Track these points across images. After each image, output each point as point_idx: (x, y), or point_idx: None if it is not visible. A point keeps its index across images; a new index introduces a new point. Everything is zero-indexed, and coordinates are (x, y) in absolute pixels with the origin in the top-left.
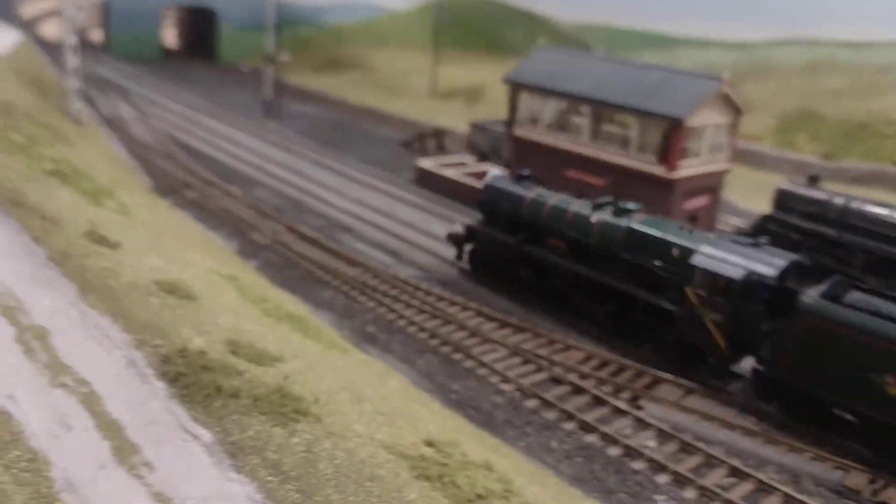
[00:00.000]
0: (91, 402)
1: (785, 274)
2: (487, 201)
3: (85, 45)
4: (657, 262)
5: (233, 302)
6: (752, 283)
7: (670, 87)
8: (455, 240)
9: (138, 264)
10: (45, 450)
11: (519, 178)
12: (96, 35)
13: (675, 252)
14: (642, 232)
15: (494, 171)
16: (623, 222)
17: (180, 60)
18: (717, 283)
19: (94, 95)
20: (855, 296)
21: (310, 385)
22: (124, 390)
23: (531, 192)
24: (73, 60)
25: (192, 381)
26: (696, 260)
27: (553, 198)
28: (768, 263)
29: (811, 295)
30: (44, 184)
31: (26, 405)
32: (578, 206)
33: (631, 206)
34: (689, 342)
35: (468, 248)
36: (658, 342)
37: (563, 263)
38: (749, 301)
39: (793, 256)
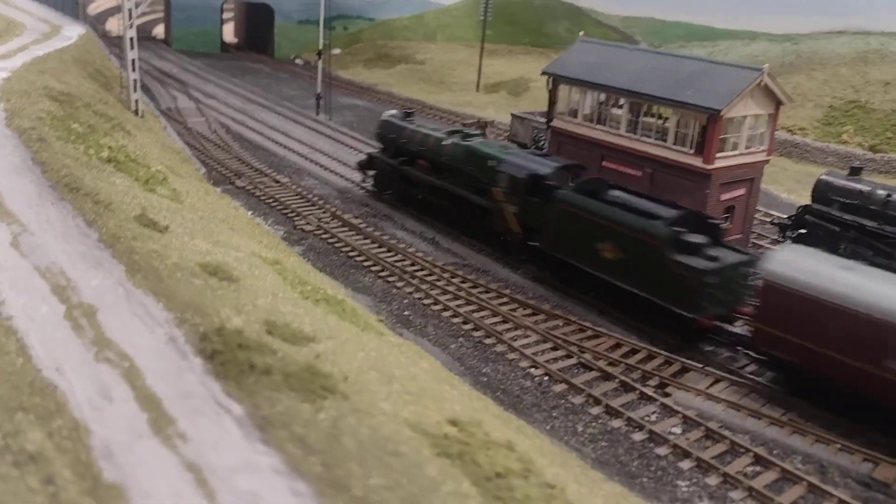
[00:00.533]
0: (132, 375)
1: (557, 174)
2: (382, 134)
3: (148, 40)
4: (481, 172)
5: (273, 285)
6: (532, 180)
7: (708, 79)
8: (361, 166)
9: (184, 247)
10: (87, 419)
11: (405, 115)
12: (159, 30)
13: (492, 163)
14: (475, 150)
15: (390, 111)
16: (463, 144)
17: (238, 54)
18: (512, 183)
19: (154, 88)
20: (606, 190)
21: (340, 364)
22: (163, 365)
23: (410, 126)
24: (131, 53)
25: (228, 358)
26: (501, 167)
27: (423, 129)
28: (546, 166)
29: (564, 188)
30: (99, 170)
31: (72, 377)
32: (437, 135)
33: (473, 133)
34: (497, 229)
35: (372, 173)
36: (480, 231)
37: (426, 178)
38: (531, 194)
39: (566, 161)
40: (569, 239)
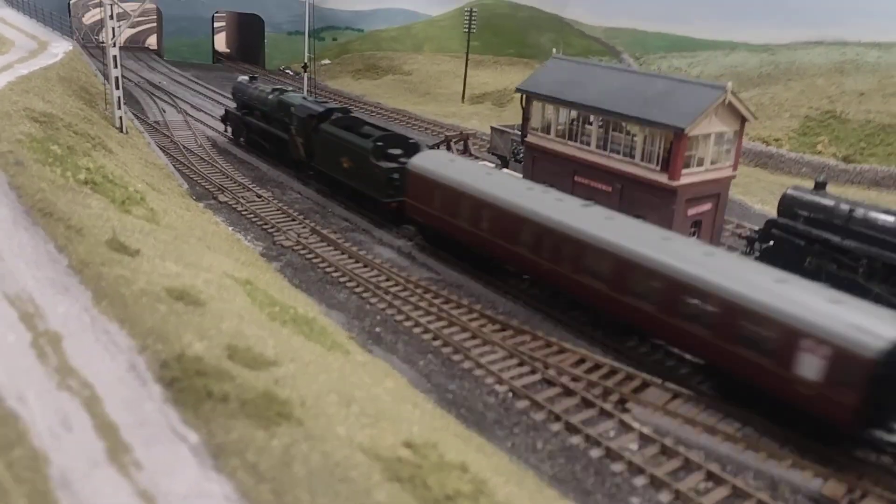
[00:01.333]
0: (92, 403)
1: (328, 112)
2: (235, 93)
3: (141, 50)
4: (286, 116)
5: (240, 307)
6: (309, 119)
7: (674, 97)
8: (222, 119)
9: (153, 271)
10: (46, 448)
11: (251, 79)
12: (152, 40)
13: (293, 109)
14: (284, 100)
15: (242, 76)
16: (279, 97)
17: (229, 65)
18: (299, 121)
19: (143, 100)
20: (362, 126)
21: (299, 388)
22: (123, 393)
23: (251, 86)
24: (115, 71)
25: (186, 385)
26: (295, 111)
27: (259, 88)
28: (320, 108)
29: (326, 122)
30: (75, 193)
31: (34, 406)
32: (266, 91)
33: (286, 88)
34: (293, 155)
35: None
36: (287, 159)
37: (259, 124)
38: (309, 128)
39: (336, 105)
40: (326, 157)
